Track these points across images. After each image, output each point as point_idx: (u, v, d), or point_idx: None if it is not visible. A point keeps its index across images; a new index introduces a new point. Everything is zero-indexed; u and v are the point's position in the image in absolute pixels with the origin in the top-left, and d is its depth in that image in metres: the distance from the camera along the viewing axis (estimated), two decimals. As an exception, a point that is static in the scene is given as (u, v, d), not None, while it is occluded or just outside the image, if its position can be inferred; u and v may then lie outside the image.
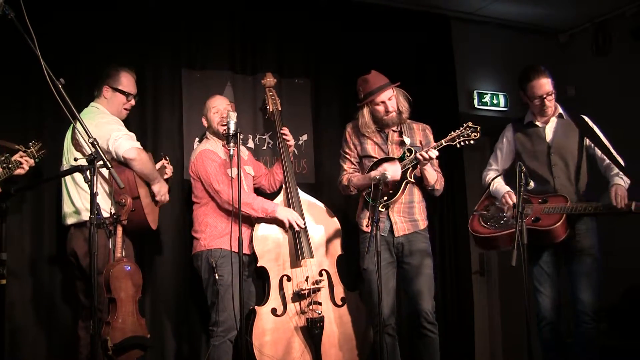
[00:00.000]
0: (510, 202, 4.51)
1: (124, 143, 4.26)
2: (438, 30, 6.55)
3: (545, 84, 4.53)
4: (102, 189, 4.29)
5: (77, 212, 4.35)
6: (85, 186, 4.11)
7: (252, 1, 5.68)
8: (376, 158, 4.67)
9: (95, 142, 3.48)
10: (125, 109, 4.65)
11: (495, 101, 6.87)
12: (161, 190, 4.56)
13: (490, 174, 4.82)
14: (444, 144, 4.42)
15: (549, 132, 4.63)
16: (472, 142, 4.37)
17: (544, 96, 4.52)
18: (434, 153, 4.37)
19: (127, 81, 4.61)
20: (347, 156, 4.85)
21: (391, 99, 4.63)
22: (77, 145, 4.36)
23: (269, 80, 5.27)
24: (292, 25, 5.84)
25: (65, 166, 4.46)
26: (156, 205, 4.59)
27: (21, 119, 4.79)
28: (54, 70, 3.33)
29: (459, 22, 6.68)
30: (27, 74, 4.66)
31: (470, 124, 4.36)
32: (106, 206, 4.24)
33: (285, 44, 5.80)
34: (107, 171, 3.69)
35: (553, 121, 4.64)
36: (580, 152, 4.58)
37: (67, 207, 4.42)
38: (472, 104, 6.77)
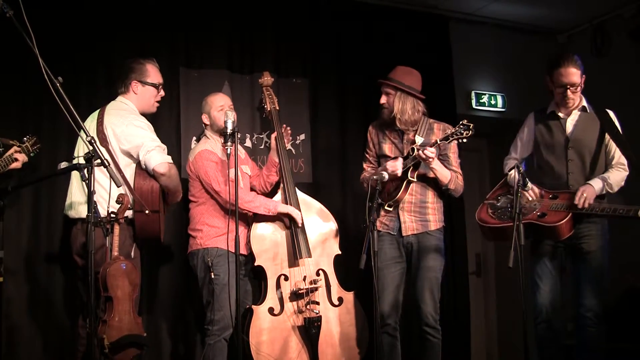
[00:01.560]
0: (535, 194, 4.47)
1: (156, 156, 4.17)
2: (436, 30, 6.55)
3: (573, 74, 4.44)
4: (114, 186, 4.23)
5: (76, 209, 4.33)
6: (101, 179, 4.10)
7: (250, 1, 5.67)
8: (390, 157, 4.66)
9: (93, 141, 3.46)
10: (157, 102, 4.57)
11: (493, 102, 6.88)
12: (176, 200, 4.55)
13: (510, 163, 4.75)
14: (439, 142, 4.41)
15: (570, 125, 4.56)
16: (464, 140, 4.35)
17: (568, 86, 4.43)
18: (430, 151, 4.35)
19: (154, 72, 4.50)
20: (367, 155, 4.88)
21: (389, 96, 4.64)
22: (103, 141, 4.19)
23: (267, 79, 5.26)
24: (290, 25, 5.83)
25: (76, 159, 4.34)
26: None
27: (19, 116, 4.78)
28: (51, 68, 3.33)
29: (457, 23, 6.68)
30: (25, 71, 4.65)
31: (464, 121, 4.33)
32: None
33: (283, 43, 5.80)
34: (105, 170, 3.65)
35: (575, 114, 4.57)
36: (598, 148, 4.50)
37: (76, 198, 4.29)
38: (470, 105, 6.77)
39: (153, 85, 4.48)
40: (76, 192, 4.31)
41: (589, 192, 4.28)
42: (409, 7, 6.40)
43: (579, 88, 4.49)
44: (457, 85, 6.59)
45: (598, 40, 6.80)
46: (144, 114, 4.45)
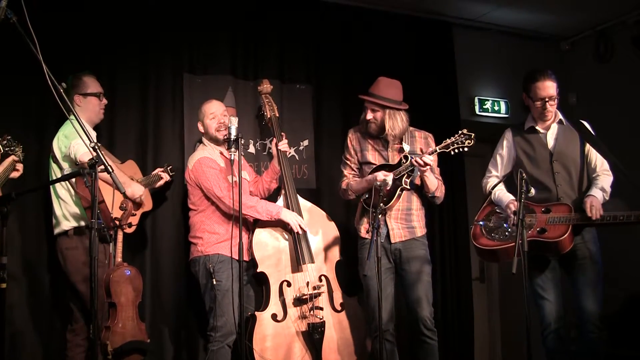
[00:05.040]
0: (511, 210, 4.47)
1: (81, 147, 4.25)
2: (440, 36, 6.55)
3: (549, 87, 4.48)
4: (67, 195, 4.36)
5: (58, 222, 4.45)
6: (64, 195, 4.42)
7: (254, 7, 5.68)
8: (375, 164, 4.67)
9: (96, 147, 3.47)
10: (102, 109, 4.72)
11: (496, 108, 6.88)
12: (135, 193, 4.56)
13: (491, 181, 4.76)
14: (438, 150, 4.41)
15: (550, 138, 4.59)
16: (465, 149, 4.36)
17: (547, 99, 4.47)
18: (428, 159, 4.35)
19: (92, 83, 4.67)
20: (348, 162, 4.86)
21: (375, 113, 4.63)
22: (53, 157, 4.47)
23: (266, 86, 5.28)
24: (293, 31, 5.84)
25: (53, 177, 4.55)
26: (137, 209, 4.65)
27: (23, 121, 4.80)
28: (55, 74, 3.33)
29: (461, 29, 6.69)
30: (29, 75, 4.64)
31: (465, 131, 4.35)
32: (75, 213, 4.37)
33: (286, 49, 5.81)
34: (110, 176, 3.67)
35: (554, 127, 4.61)
36: (582, 159, 4.55)
37: (53, 218, 4.52)
38: (474, 111, 6.77)
39: (94, 94, 4.66)
40: (70, 203, 4.45)
41: (596, 202, 4.29)
42: (413, 14, 6.41)
43: (556, 100, 4.52)
44: (461, 91, 6.59)
45: (601, 47, 6.82)
46: (94, 124, 4.67)
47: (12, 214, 4.34)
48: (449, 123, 5.73)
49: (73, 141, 4.30)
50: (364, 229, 4.69)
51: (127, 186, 4.51)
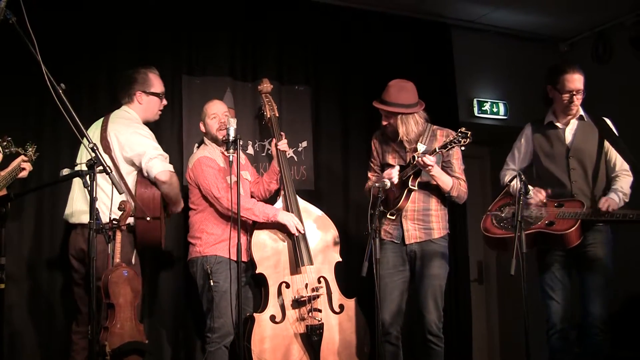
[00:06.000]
0: (541, 196, 4.42)
1: (158, 164, 4.21)
2: (439, 38, 6.56)
3: (577, 80, 4.46)
4: (116, 193, 4.26)
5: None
6: (103, 185, 4.16)
7: (253, 8, 5.69)
8: (393, 165, 4.65)
9: (95, 148, 3.46)
10: (160, 110, 4.62)
11: (495, 109, 6.87)
12: (179, 209, 4.57)
13: (508, 174, 4.74)
14: (437, 150, 4.39)
15: (569, 134, 4.57)
16: (463, 147, 4.34)
17: (574, 92, 4.45)
18: (429, 159, 4.33)
19: (157, 82, 4.54)
20: (372, 164, 4.87)
21: (390, 119, 4.60)
22: (106, 148, 4.23)
23: (266, 86, 5.27)
24: (292, 32, 5.85)
25: (78, 166, 4.36)
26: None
27: (22, 121, 4.79)
28: (53, 74, 3.32)
29: (459, 30, 6.69)
30: (27, 75, 4.62)
31: (463, 129, 4.31)
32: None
33: (285, 50, 5.81)
34: (109, 177, 3.64)
35: (573, 123, 4.59)
36: (599, 156, 4.52)
37: (77, 206, 4.30)
38: (472, 112, 6.77)
39: (156, 94, 4.53)
40: (78, 198, 4.32)
41: (612, 202, 4.29)
42: (412, 15, 6.41)
43: (582, 95, 4.49)
44: (460, 93, 6.60)
45: (600, 48, 6.83)
46: (146, 123, 4.50)
47: (11, 215, 4.35)
48: (448, 125, 5.69)
49: (148, 151, 4.21)
50: (382, 230, 4.64)
51: (178, 206, 4.52)
